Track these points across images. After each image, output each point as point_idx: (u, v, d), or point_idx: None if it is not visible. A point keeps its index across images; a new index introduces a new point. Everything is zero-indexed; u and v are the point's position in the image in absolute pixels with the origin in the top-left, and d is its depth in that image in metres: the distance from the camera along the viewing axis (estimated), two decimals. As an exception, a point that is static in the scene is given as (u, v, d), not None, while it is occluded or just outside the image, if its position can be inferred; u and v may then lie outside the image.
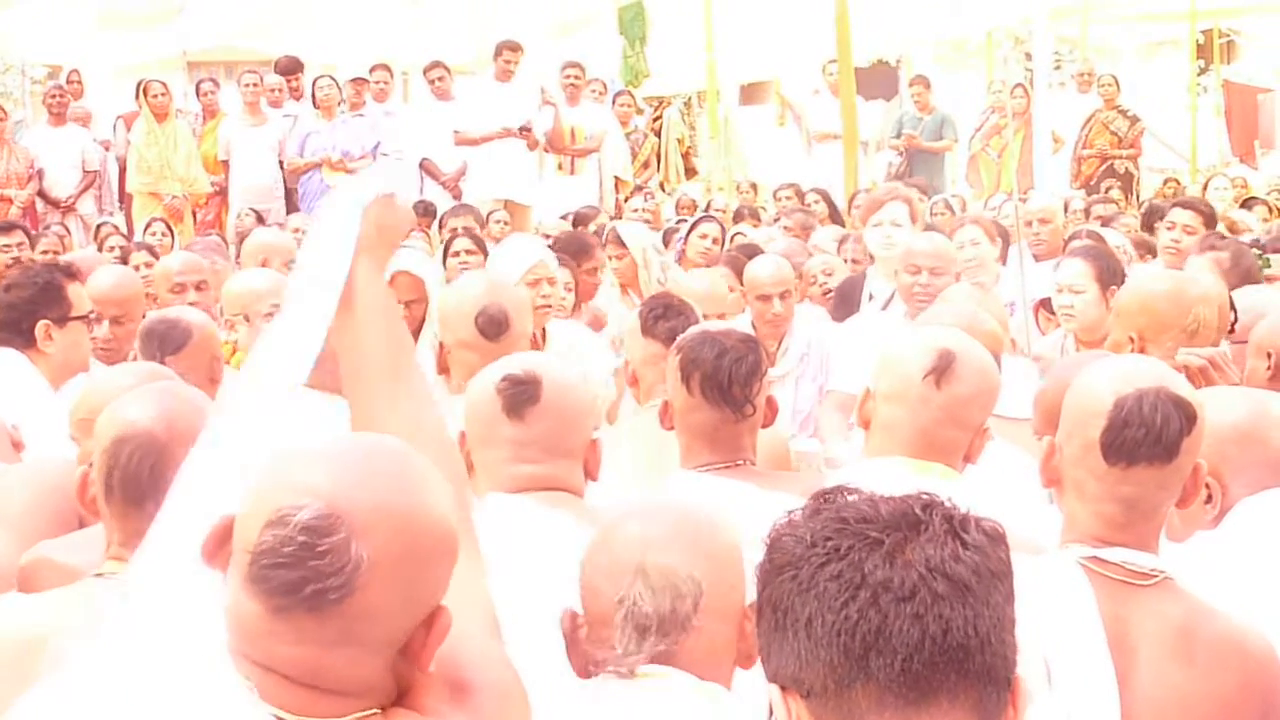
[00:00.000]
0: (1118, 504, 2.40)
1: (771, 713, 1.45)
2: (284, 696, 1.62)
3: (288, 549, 1.56)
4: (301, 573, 1.56)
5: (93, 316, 4.66)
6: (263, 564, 1.57)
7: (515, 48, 12.18)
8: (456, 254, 6.92)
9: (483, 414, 2.89)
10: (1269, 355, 3.78)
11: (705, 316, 4.89)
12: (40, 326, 4.45)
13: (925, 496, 1.44)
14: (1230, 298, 4.65)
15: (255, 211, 11.44)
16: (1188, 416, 2.37)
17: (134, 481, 2.42)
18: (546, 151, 12.39)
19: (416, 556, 1.62)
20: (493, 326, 3.83)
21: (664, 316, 4.26)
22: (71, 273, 4.66)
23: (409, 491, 1.64)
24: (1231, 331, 4.72)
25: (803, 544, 1.42)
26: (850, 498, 1.45)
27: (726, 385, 3.20)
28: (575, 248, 6.73)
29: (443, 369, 3.98)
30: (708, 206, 10.21)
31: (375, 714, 1.64)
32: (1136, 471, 2.38)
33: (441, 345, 3.99)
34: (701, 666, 2.17)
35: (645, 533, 2.24)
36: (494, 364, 2.99)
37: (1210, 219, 7.05)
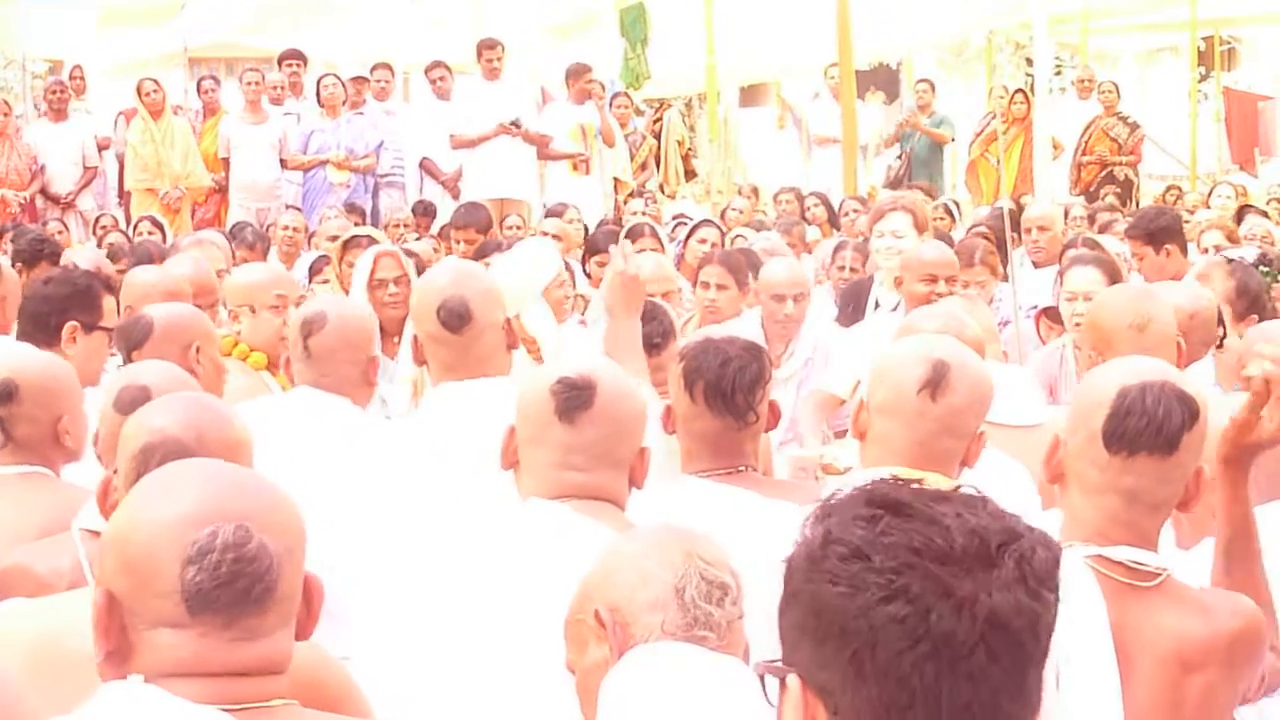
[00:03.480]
0: (1119, 496, 2.42)
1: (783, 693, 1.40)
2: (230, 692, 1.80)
3: (223, 570, 1.77)
4: (244, 582, 1.78)
5: None
6: (207, 592, 1.77)
7: (493, 44, 12.16)
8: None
9: (534, 413, 2.84)
10: None
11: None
12: (68, 327, 4.39)
13: (1000, 531, 1.37)
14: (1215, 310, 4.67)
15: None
16: (1190, 412, 2.40)
17: None
18: (541, 159, 12.36)
19: (298, 537, 1.87)
20: (454, 319, 3.76)
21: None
22: (111, 286, 4.65)
23: (266, 487, 1.88)
24: (1221, 345, 4.71)
25: (861, 560, 1.35)
26: (922, 519, 1.36)
27: (730, 394, 3.20)
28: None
29: (420, 360, 3.98)
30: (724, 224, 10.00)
31: (293, 704, 1.84)
32: (1137, 462, 2.40)
33: (415, 338, 3.97)
34: None
35: (679, 532, 2.22)
36: (551, 361, 2.92)
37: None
